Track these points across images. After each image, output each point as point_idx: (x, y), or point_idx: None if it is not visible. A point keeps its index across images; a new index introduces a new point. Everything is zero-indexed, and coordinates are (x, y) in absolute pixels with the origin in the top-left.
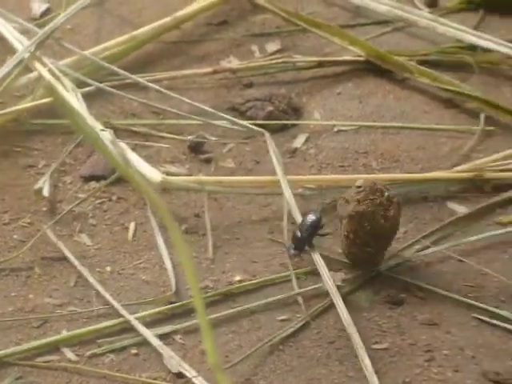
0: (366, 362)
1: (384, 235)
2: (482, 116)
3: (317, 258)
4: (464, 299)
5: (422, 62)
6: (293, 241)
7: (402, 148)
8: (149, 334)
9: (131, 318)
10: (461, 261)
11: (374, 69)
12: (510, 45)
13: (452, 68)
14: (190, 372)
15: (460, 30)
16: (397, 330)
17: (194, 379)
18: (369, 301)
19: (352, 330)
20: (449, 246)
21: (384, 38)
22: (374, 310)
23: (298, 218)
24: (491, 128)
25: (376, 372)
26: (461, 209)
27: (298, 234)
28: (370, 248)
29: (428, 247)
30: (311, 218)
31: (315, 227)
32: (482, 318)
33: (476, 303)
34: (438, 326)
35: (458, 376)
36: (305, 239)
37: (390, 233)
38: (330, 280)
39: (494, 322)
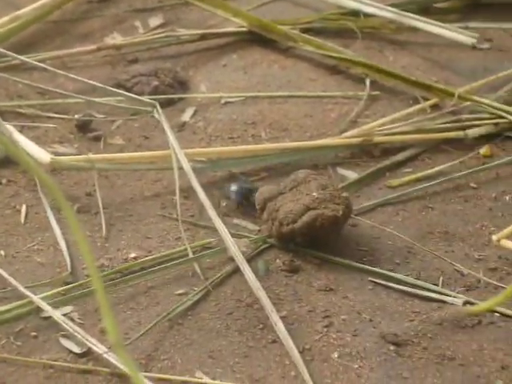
0: (279, 325)
1: None
2: (367, 81)
3: (219, 225)
4: (359, 264)
5: (306, 30)
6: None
7: (290, 117)
8: (47, 316)
9: (29, 300)
10: (354, 226)
11: (258, 39)
12: (391, 9)
13: (335, 34)
14: (92, 350)
15: None
16: (294, 297)
17: (96, 357)
18: (265, 269)
19: (261, 293)
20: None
21: (266, 8)
22: (270, 279)
23: (199, 190)
24: (377, 93)
25: (275, 341)
26: (351, 174)
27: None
28: None
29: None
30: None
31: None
32: (377, 281)
33: (371, 267)
34: (334, 292)
35: (357, 340)
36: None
37: None
38: (234, 246)
39: (390, 284)
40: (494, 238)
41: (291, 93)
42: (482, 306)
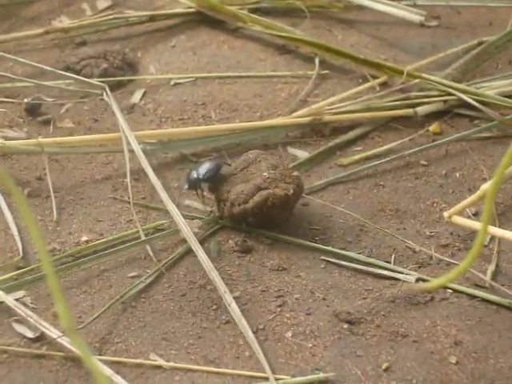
0: (233, 306)
1: None
2: (317, 60)
3: (171, 207)
4: (311, 243)
5: (254, 10)
6: (187, 179)
7: (240, 97)
8: None
9: None
10: (305, 205)
11: (207, 20)
12: None
13: (284, 14)
14: (45, 335)
15: None
16: (247, 277)
17: (50, 341)
18: (217, 251)
19: (214, 274)
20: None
21: None
22: (223, 260)
23: (150, 172)
24: (326, 71)
25: (229, 321)
26: (302, 153)
27: (194, 174)
28: None
29: None
30: (212, 164)
31: (213, 173)
32: (329, 259)
33: (323, 246)
34: (287, 271)
35: (311, 319)
36: (199, 181)
37: None
38: (186, 227)
39: (342, 263)
40: (446, 214)
41: (241, 73)
42: (434, 282)
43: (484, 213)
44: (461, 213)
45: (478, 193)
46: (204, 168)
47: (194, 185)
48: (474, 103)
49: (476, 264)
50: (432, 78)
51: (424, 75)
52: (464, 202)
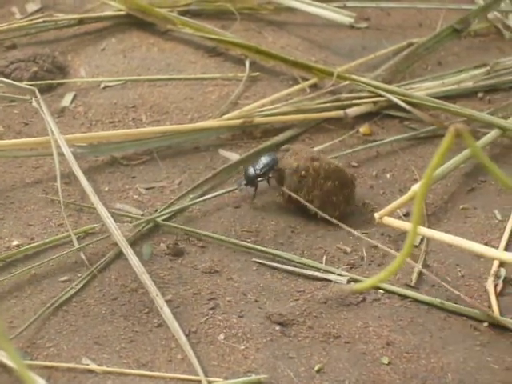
0: (165, 309)
1: None
2: (247, 62)
3: (102, 211)
4: (243, 245)
5: (184, 13)
6: (245, 177)
7: (171, 100)
8: None
9: None
10: (237, 207)
11: (137, 22)
12: None
13: (214, 16)
14: None
15: None
16: (179, 280)
17: None
18: (149, 254)
19: (145, 278)
20: (224, 193)
21: None
22: (154, 263)
23: (80, 176)
24: (257, 73)
25: (161, 324)
26: (232, 156)
27: (252, 170)
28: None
29: (203, 195)
30: (268, 158)
31: (270, 167)
32: (261, 261)
33: (255, 248)
34: (219, 274)
35: (243, 321)
36: (258, 176)
37: None
38: (117, 231)
39: (274, 264)
40: (376, 215)
41: (171, 75)
42: (365, 283)
43: (414, 213)
44: (391, 214)
45: (409, 193)
46: (261, 164)
47: (252, 181)
48: (403, 105)
49: (406, 265)
50: (362, 79)
51: (354, 77)
52: (394, 204)
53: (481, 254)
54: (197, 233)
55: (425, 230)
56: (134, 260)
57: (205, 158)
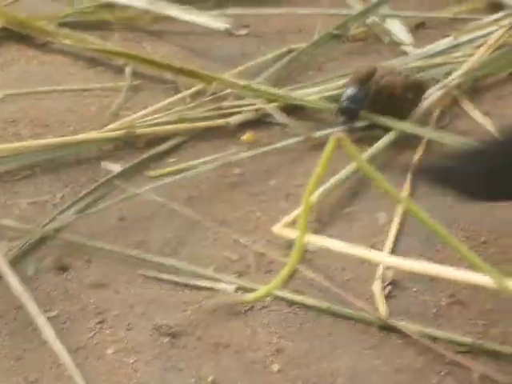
0: (47, 330)
1: None
2: (128, 71)
3: None
4: (128, 257)
5: (63, 25)
6: (344, 114)
7: (52, 112)
8: None
9: None
10: (122, 219)
11: (15, 35)
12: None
13: (93, 27)
14: None
15: None
16: (65, 295)
17: None
18: (33, 269)
19: (25, 298)
20: (108, 205)
21: (20, 4)
22: (40, 278)
23: None
24: (139, 81)
25: (47, 341)
26: (115, 167)
27: (350, 105)
28: None
29: (86, 208)
30: (352, 90)
31: (361, 98)
32: (148, 274)
33: (141, 259)
34: (106, 287)
35: (131, 334)
36: (357, 109)
37: None
38: None
39: (161, 276)
40: (275, 229)
41: (51, 88)
42: (259, 292)
43: (300, 222)
44: (279, 220)
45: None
46: (351, 97)
47: (352, 114)
48: (277, 116)
49: (294, 271)
50: (242, 85)
51: (236, 84)
52: (292, 215)
53: (366, 258)
54: (82, 246)
55: (312, 238)
56: (12, 280)
57: (87, 170)
